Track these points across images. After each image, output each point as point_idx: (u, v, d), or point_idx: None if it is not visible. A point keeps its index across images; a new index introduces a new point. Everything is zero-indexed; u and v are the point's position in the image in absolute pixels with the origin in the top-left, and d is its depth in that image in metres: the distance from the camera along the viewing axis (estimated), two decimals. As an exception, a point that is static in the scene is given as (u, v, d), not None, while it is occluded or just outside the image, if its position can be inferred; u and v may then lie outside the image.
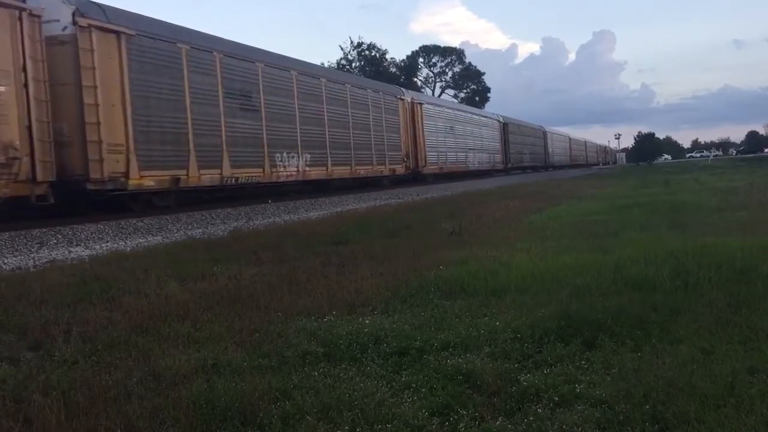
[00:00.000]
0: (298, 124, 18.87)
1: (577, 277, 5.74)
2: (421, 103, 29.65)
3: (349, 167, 22.44)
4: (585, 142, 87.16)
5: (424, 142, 28.91)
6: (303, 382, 3.58)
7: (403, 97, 28.25)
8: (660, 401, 3.06)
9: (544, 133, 57.53)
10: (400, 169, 26.82)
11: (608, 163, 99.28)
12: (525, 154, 49.56)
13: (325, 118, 20.69)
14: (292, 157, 18.58)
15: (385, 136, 25.46)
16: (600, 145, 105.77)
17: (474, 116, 38.78)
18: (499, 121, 43.50)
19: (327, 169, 20.78)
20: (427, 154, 29.35)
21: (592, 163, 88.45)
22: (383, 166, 25.26)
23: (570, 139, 72.22)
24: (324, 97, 20.80)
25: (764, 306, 4.58)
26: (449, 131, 32.56)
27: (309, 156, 19.32)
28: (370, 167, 24.17)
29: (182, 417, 3.11)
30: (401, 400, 3.31)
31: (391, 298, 5.49)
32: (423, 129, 28.95)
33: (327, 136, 20.70)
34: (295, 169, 18.79)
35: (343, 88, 22.62)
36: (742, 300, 4.76)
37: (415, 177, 28.53)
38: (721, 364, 3.49)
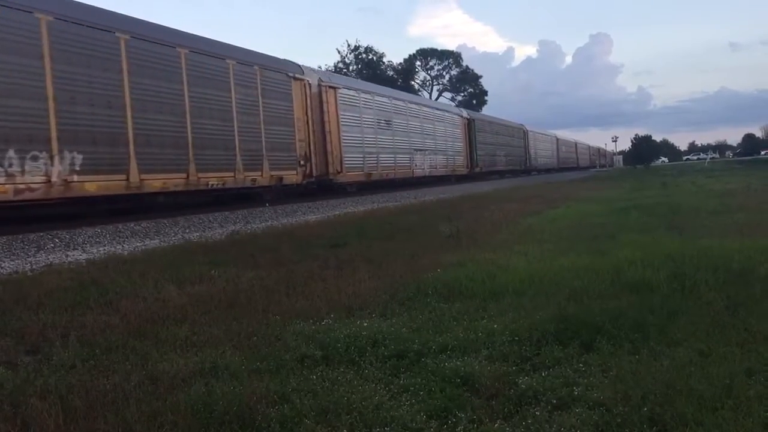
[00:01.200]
0: (51, 100, 11.04)
1: (575, 279, 5.75)
2: (334, 87, 21.08)
3: (184, 174, 14.03)
4: (575, 143, 79.53)
5: (339, 139, 20.85)
6: (301, 386, 3.57)
7: (300, 77, 19.13)
8: (658, 403, 3.06)
9: (525, 132, 50.79)
10: (292, 177, 18.20)
11: (605, 166, 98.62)
12: (499, 156, 42.99)
13: (127, 95, 12.58)
14: (33, 158, 10.74)
15: (263, 128, 16.94)
16: (594, 147, 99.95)
17: (425, 109, 30.68)
18: (461, 116, 36.37)
19: (128, 178, 12.55)
20: (344, 156, 21.13)
21: (584, 166, 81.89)
22: (258, 173, 16.69)
23: (557, 139, 65.72)
24: (126, 63, 12.67)
25: (761, 308, 4.60)
26: (383, 126, 24.78)
27: (77, 156, 11.45)
28: (231, 174, 15.58)
29: (180, 421, 3.11)
30: (399, 403, 3.31)
31: (388, 301, 5.49)
32: (338, 122, 20.87)
33: (129, 124, 12.59)
34: (43, 177, 10.83)
35: (172, 54, 14.00)
36: (739, 302, 4.77)
37: (323, 187, 20.40)
38: (718, 367, 3.50)
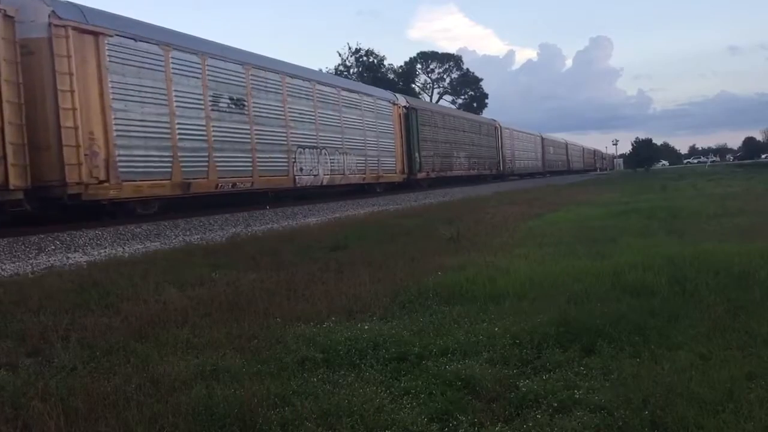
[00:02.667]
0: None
1: (576, 283, 5.75)
2: (96, 33, 12.17)
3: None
4: (566, 144, 70.91)
5: (108, 118, 12.23)
6: (302, 388, 3.57)
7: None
8: (659, 407, 3.06)
9: (497, 128, 42.33)
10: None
11: (605, 169, 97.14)
12: (457, 158, 33.91)
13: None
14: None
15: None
16: (589, 149, 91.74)
17: (324, 88, 21.05)
18: (393, 102, 26.59)
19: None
20: (117, 151, 12.38)
21: (576, 170, 73.85)
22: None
23: (543, 139, 57.51)
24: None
25: (762, 312, 4.60)
26: (230, 106, 15.87)
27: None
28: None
29: (181, 423, 3.11)
30: (400, 405, 3.31)
31: (389, 304, 5.49)
32: (107, 91, 12.23)
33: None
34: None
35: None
36: (740, 306, 4.78)
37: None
38: (719, 370, 3.50)
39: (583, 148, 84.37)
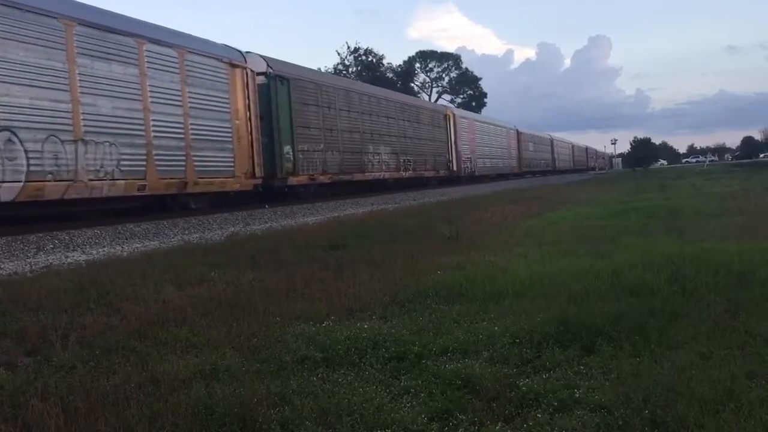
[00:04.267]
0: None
1: (575, 282, 5.75)
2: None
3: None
4: (551, 140, 60.49)
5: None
6: (302, 387, 3.57)
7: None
8: (659, 406, 3.06)
9: (448, 116, 33.00)
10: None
11: (603, 169, 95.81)
12: (373, 154, 23.94)
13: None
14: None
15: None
16: (580, 146, 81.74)
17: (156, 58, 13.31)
18: (228, 61, 15.98)
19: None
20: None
21: (564, 169, 64.57)
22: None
23: (520, 133, 47.58)
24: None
25: (762, 311, 4.60)
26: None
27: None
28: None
29: (181, 422, 3.10)
30: (400, 405, 3.31)
31: (389, 303, 5.49)
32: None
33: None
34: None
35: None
36: (740, 305, 4.77)
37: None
38: (719, 369, 3.49)
39: (573, 146, 74.00)
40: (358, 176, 22.64)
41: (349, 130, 22.22)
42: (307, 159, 19.25)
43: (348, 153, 22.04)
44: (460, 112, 38.43)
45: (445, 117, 33.47)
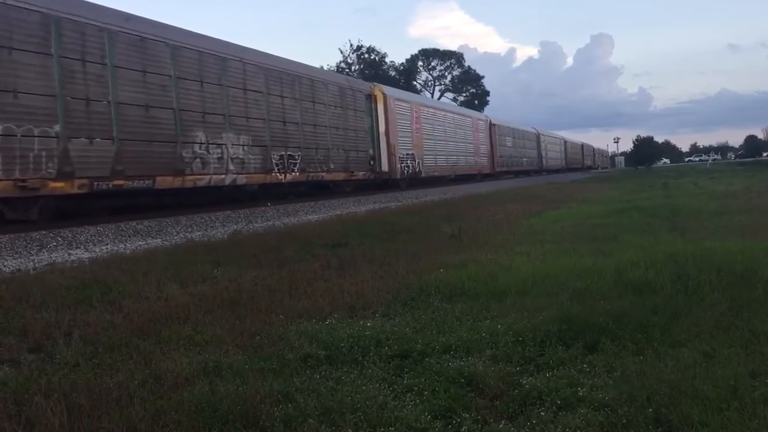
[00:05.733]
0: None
1: (578, 280, 5.75)
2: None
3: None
4: (537, 134, 51.00)
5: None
6: (304, 385, 3.57)
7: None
8: (663, 404, 3.06)
9: (373, 97, 23.28)
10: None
11: (605, 168, 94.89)
12: (207, 148, 14.25)
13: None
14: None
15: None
16: (575, 143, 71.74)
17: None
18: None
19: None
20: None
21: (555, 169, 56.47)
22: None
23: (493, 125, 38.26)
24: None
25: (765, 309, 4.59)
26: None
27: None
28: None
29: (184, 420, 3.10)
30: (403, 403, 3.31)
31: (391, 301, 5.49)
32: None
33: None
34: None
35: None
36: (743, 304, 4.77)
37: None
38: (723, 368, 3.49)
39: (565, 142, 64.06)
40: (164, 181, 13.22)
41: (146, 104, 12.81)
42: (75, 157, 11.20)
43: (139, 142, 12.63)
44: (396, 93, 26.95)
45: (370, 98, 22.75)
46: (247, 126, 15.86)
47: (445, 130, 30.80)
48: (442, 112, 31.55)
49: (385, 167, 23.36)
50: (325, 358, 4.05)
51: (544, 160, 52.13)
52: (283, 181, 17.32)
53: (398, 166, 24.58)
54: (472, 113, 38.92)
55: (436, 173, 29.22)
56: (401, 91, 30.14)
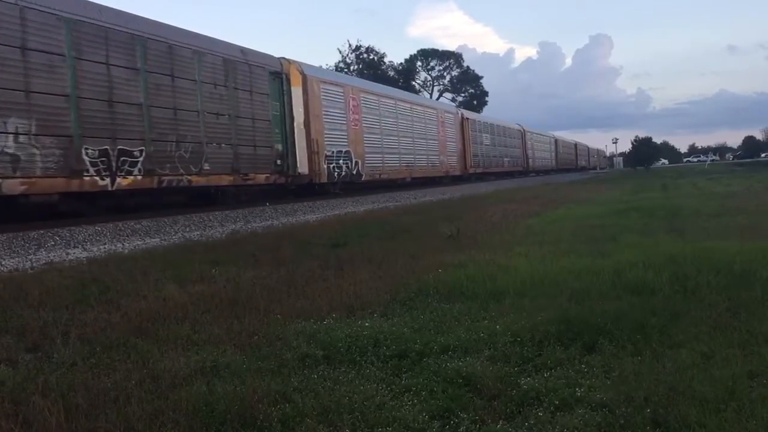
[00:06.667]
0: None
1: (576, 281, 5.75)
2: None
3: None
4: (523, 131, 46.58)
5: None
6: (302, 385, 3.57)
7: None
8: (661, 405, 3.06)
9: (277, 75, 17.28)
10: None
11: (604, 168, 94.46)
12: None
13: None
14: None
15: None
16: (568, 142, 67.28)
17: None
18: None
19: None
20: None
21: (545, 170, 52.72)
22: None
23: (465, 119, 34.21)
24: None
25: (763, 310, 4.59)
26: None
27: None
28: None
29: (182, 419, 3.10)
30: (401, 403, 3.31)
31: (390, 301, 5.49)
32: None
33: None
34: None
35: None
36: (741, 304, 4.77)
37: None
38: (721, 369, 3.49)
39: (556, 140, 59.35)
40: None
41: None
42: None
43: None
44: (323, 74, 22.35)
45: (281, 77, 17.55)
46: (28, 105, 10.33)
47: (397, 122, 25.18)
48: (393, 101, 25.46)
49: (303, 168, 17.95)
50: (323, 358, 4.04)
51: (530, 160, 48.08)
52: (110, 188, 11.84)
53: (324, 166, 19.10)
54: (437, 104, 33.27)
55: (383, 176, 23.61)
56: (331, 71, 23.33)
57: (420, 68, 78.63)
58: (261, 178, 16.26)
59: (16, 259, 8.28)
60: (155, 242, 10.14)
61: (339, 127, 20.55)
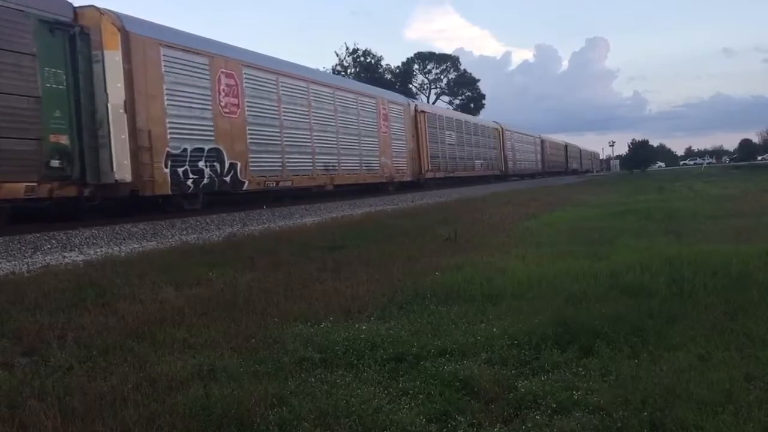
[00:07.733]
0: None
1: (573, 283, 5.75)
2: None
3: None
4: (501, 130, 41.40)
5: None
6: (300, 388, 3.56)
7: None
8: (658, 408, 3.06)
9: (66, 28, 11.02)
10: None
11: (601, 171, 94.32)
12: None
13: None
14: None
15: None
16: (557, 143, 62.75)
17: None
18: None
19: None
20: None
21: (527, 173, 48.11)
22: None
23: (420, 112, 28.38)
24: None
25: (760, 313, 4.60)
26: None
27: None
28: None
29: (179, 423, 3.09)
30: (398, 406, 3.30)
31: (387, 304, 5.48)
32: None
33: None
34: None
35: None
36: (738, 307, 4.78)
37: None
38: (718, 371, 3.50)
39: (542, 141, 54.17)
40: None
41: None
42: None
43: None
44: (164, 34, 13.80)
45: (73, 32, 11.40)
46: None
47: (309, 111, 18.76)
48: (305, 83, 18.83)
49: (121, 173, 12.06)
50: (320, 361, 4.04)
51: (509, 162, 42.50)
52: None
53: (165, 171, 13.08)
54: (378, 92, 25.55)
55: (283, 183, 17.47)
56: (187, 33, 14.83)
57: (417, 71, 78.69)
58: (18, 188, 10.27)
59: (13, 262, 8.26)
60: (152, 245, 10.11)
61: (198, 114, 14.20)
